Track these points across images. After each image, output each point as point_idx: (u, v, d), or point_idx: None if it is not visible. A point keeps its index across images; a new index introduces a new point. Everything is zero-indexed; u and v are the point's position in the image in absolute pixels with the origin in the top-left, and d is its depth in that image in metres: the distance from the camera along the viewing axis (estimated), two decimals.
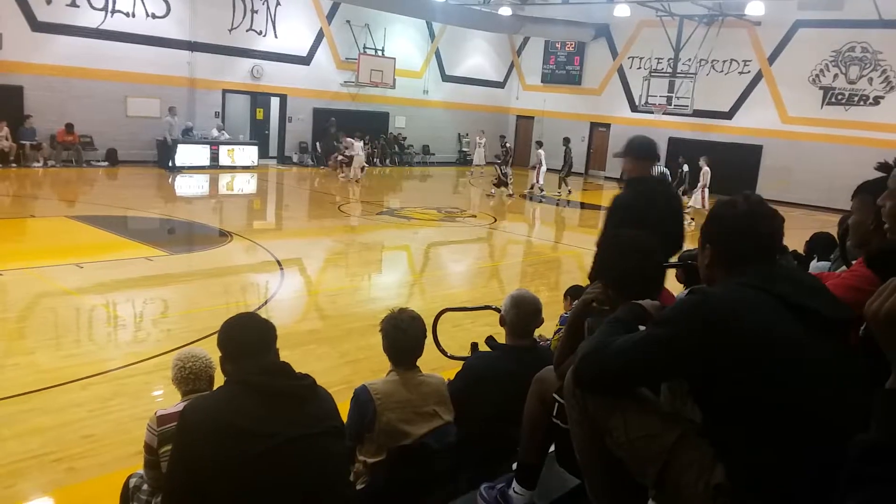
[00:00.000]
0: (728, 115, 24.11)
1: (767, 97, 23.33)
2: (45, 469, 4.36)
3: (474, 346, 4.21)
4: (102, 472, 4.25)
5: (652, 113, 24.04)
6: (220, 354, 2.52)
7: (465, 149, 28.06)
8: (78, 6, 18.40)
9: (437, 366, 3.42)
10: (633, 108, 25.98)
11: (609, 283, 2.41)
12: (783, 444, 1.76)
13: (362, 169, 20.43)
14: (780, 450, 1.76)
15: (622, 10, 22.61)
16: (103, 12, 18.84)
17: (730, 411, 1.83)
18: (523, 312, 3.27)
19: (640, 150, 4.03)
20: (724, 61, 23.94)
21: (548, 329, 4.65)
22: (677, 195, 4.17)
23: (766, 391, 1.76)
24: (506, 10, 24.19)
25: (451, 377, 3.39)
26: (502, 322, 3.35)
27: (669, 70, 24.19)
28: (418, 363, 3.05)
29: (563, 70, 28.73)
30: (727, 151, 23.54)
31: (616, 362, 1.95)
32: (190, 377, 3.16)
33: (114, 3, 18.99)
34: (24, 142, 17.59)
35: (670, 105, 23.35)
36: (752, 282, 1.88)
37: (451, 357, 4.35)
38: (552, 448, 2.70)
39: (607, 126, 27.36)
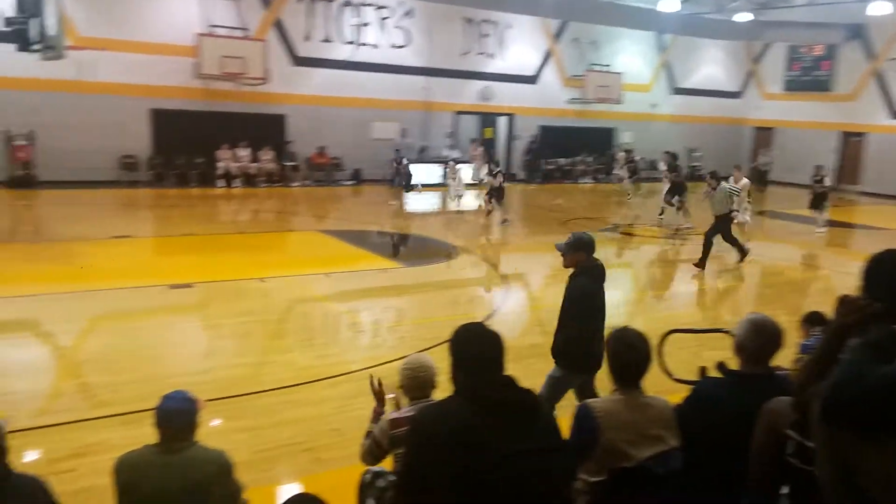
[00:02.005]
0: None
1: None
2: (297, 457, 4.88)
3: (703, 370, 4.05)
4: (345, 464, 4.65)
5: None
6: (450, 362, 2.61)
7: (695, 163, 26.78)
8: (331, 41, 20.49)
9: (660, 389, 3.33)
10: (895, 115, 23.11)
11: (874, 303, 2.17)
12: None
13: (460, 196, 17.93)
14: None
15: (879, 8, 20.25)
16: (352, 45, 20.80)
17: None
18: (762, 338, 3.09)
19: (586, 245, 4.97)
20: None
21: (785, 358, 4.32)
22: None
23: None
24: (743, 17, 22.78)
25: (676, 402, 3.29)
26: (737, 348, 3.19)
27: None
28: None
29: (810, 76, 26.36)
30: None
31: (875, 395, 1.80)
32: (418, 384, 3.39)
33: (361, 36, 20.89)
34: (285, 164, 19.93)
35: None
36: None
37: (678, 380, 4.21)
38: (785, 489, 2.52)
39: (861, 135, 24.60)
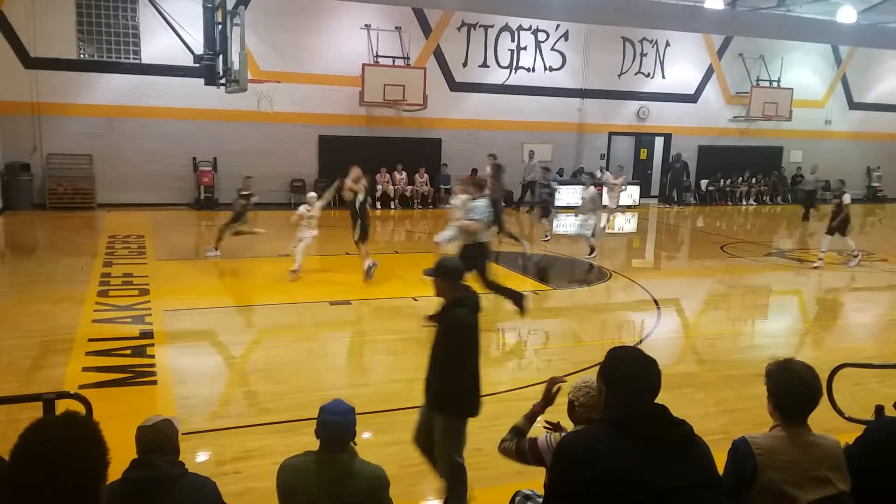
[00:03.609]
0: None
1: None
2: None
3: (879, 409, 3.72)
4: (490, 484, 4.68)
5: None
6: (599, 386, 2.53)
7: (875, 183, 24.59)
8: (488, 66, 20.92)
9: (827, 427, 3.07)
10: None
11: None
12: None
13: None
14: None
15: None
16: (508, 70, 21.09)
17: None
18: None
19: (457, 271, 4.43)
20: None
21: None
22: None
23: None
24: None
25: (846, 442, 3.02)
26: None
27: None
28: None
29: None
30: None
31: None
32: (595, 405, 3.21)
33: (518, 60, 21.13)
34: (440, 186, 20.47)
35: None
36: None
37: (849, 419, 3.89)
38: None
39: None
